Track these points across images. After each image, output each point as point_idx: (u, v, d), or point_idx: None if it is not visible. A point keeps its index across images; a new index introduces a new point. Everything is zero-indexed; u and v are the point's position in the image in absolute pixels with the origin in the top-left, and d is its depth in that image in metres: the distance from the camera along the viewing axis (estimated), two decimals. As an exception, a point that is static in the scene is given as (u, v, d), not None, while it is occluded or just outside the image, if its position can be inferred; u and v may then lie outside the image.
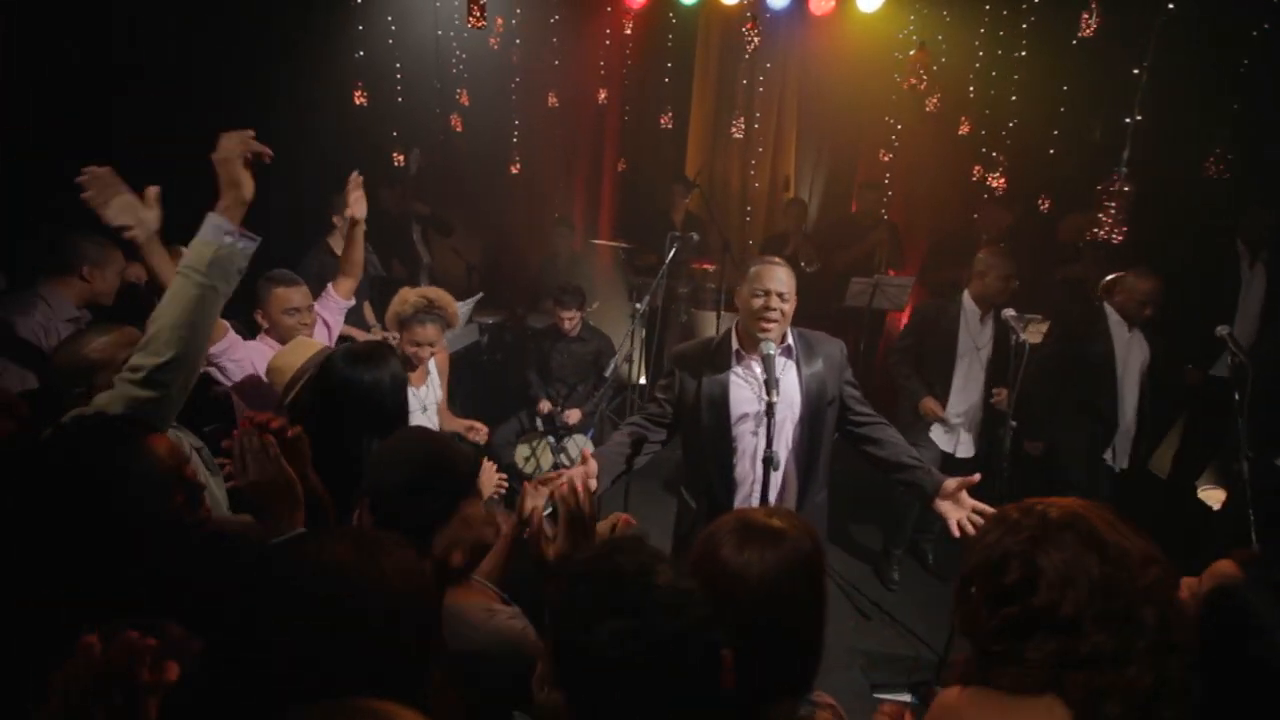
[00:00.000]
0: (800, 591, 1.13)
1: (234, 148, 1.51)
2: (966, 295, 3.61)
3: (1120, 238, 2.56)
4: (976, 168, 5.15)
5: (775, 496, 2.24)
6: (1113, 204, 2.53)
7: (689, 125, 6.18)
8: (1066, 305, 4.21)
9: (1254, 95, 3.35)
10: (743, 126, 4.67)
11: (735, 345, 2.29)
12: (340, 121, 4.32)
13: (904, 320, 6.16)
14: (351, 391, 1.77)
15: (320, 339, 2.80)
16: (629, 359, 4.20)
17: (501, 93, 5.43)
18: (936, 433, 3.68)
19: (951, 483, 2.04)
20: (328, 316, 2.94)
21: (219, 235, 1.48)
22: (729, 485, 2.31)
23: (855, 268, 5.14)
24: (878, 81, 5.51)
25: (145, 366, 1.44)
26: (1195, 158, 3.42)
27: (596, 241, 5.53)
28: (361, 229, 2.79)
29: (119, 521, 1.14)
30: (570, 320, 4.36)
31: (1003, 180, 4.29)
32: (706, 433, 2.30)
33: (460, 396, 4.44)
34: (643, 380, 4.89)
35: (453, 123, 5.14)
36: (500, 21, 4.01)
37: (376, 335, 3.79)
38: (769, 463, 2.03)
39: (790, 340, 2.26)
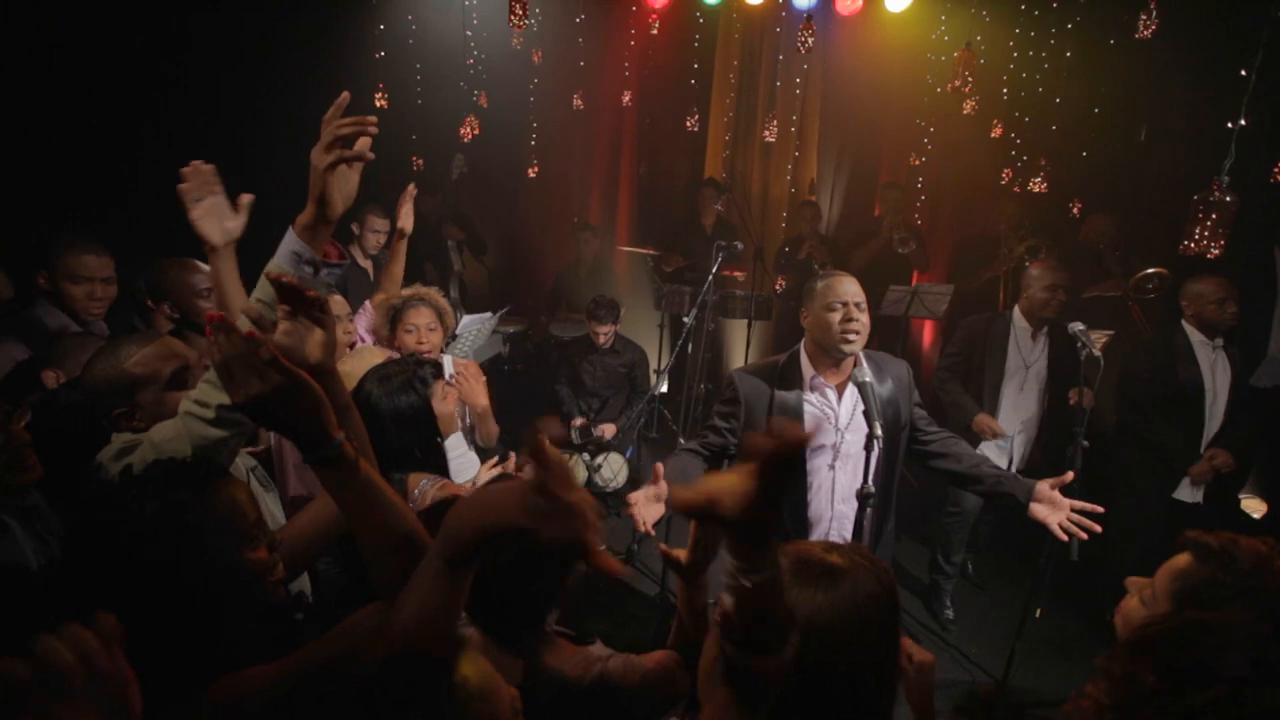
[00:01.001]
0: (858, 636, 0.98)
1: (325, 153, 1.23)
2: (1016, 311, 3.51)
3: (1218, 251, 2.43)
4: (1006, 171, 5.07)
5: (852, 534, 2.11)
6: (1213, 215, 2.40)
7: (708, 127, 6.04)
8: (1101, 318, 4.11)
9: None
10: (775, 129, 4.52)
11: (810, 370, 2.13)
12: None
13: (927, 329, 6.13)
14: (376, 415, 1.76)
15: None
16: (666, 370, 4.05)
17: (520, 94, 5.26)
18: (988, 448, 3.56)
19: (1045, 485, 1.91)
20: (364, 331, 2.82)
21: (296, 265, 1.28)
22: (802, 524, 2.16)
23: (871, 268, 5.04)
24: (906, 83, 5.41)
25: (212, 405, 1.29)
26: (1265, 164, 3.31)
27: (624, 248, 5.37)
28: (405, 243, 2.66)
29: (202, 587, 1.02)
30: (605, 335, 4.21)
31: (1044, 184, 4.19)
32: None
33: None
34: (664, 389, 4.74)
35: (470, 126, 4.97)
36: (522, 25, 3.83)
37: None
38: (867, 499, 1.89)
39: (864, 363, 2.12)
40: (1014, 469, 3.56)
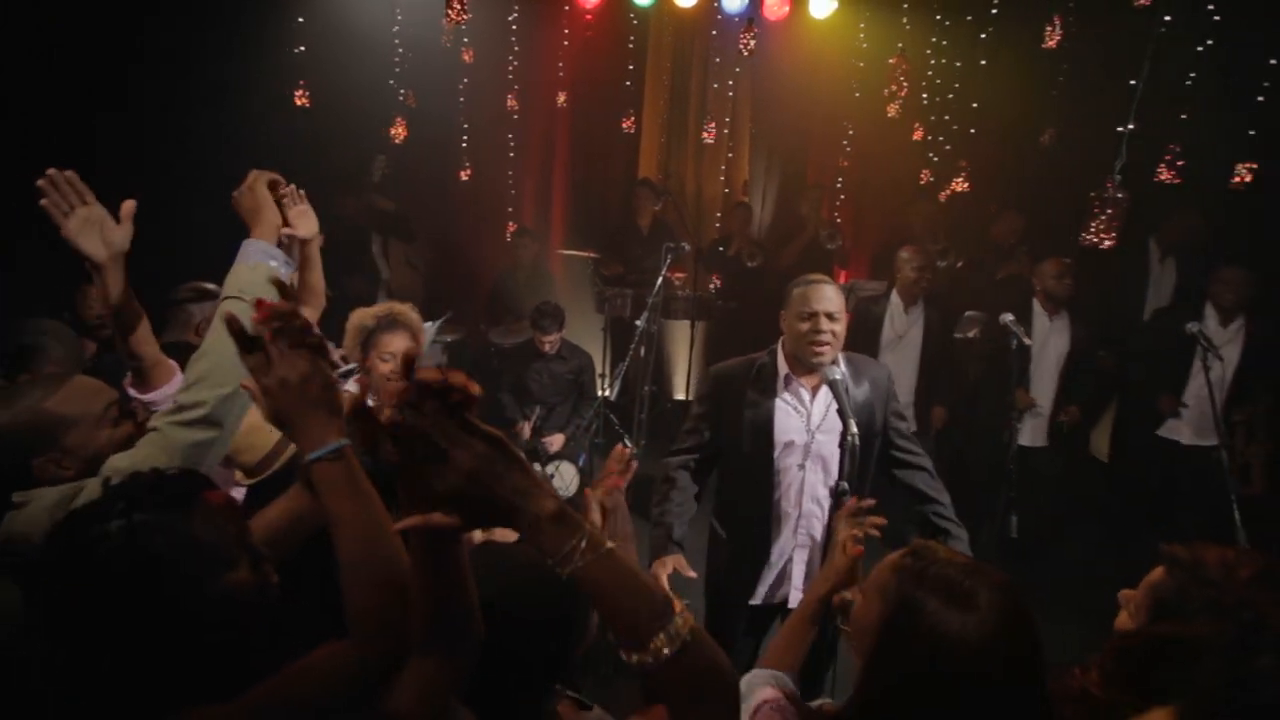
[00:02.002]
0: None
1: (253, 180, 1.46)
2: (894, 291, 3.92)
3: (1111, 243, 2.66)
4: (926, 172, 5.35)
5: (822, 533, 2.15)
6: (1108, 210, 2.61)
7: (643, 129, 6.04)
8: (1013, 302, 4.44)
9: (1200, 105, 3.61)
10: (714, 131, 4.58)
11: (785, 369, 2.15)
12: (285, 124, 3.86)
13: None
14: None
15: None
16: (620, 374, 4.01)
17: (450, 94, 5.08)
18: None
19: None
20: None
21: (266, 258, 1.38)
22: (769, 520, 2.18)
23: (799, 266, 5.20)
24: (832, 87, 5.60)
25: (206, 401, 1.25)
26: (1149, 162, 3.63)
27: (564, 252, 5.28)
28: (315, 248, 2.37)
29: (187, 607, 0.90)
30: (551, 344, 4.12)
31: (967, 184, 4.44)
32: (747, 463, 2.17)
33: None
34: (607, 393, 4.70)
35: (399, 127, 4.75)
36: (464, 19, 3.68)
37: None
38: (842, 495, 1.92)
39: (841, 364, 2.15)
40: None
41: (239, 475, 1.96)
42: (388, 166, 5.08)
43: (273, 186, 1.53)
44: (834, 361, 2.11)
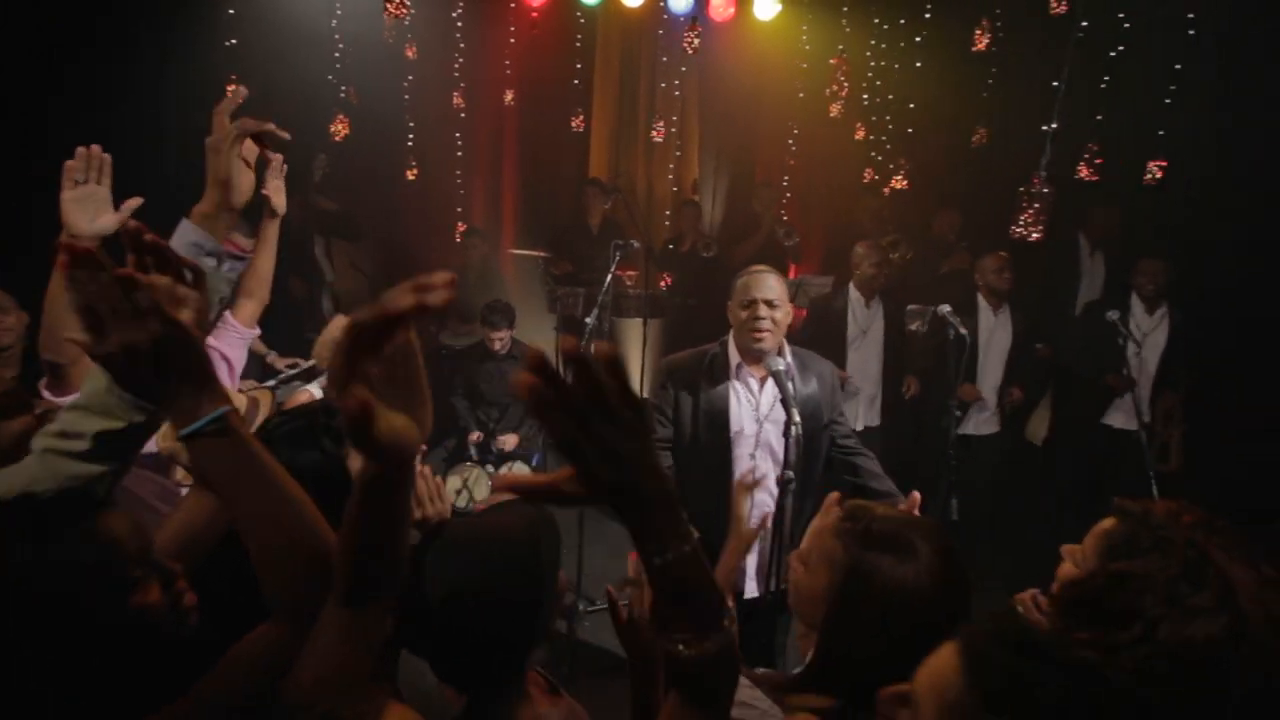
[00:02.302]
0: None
1: (236, 130, 1.13)
2: (852, 285, 3.99)
3: (1039, 236, 2.80)
4: (869, 170, 5.51)
5: (772, 522, 2.19)
6: (1035, 204, 2.75)
7: (592, 127, 6.04)
8: (956, 296, 4.64)
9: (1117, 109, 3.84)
10: (663, 130, 4.61)
11: (736, 359, 2.20)
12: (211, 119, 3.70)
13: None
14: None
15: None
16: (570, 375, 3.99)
17: (394, 91, 4.96)
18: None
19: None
20: (228, 351, 2.38)
21: (195, 253, 1.07)
22: (725, 511, 2.22)
23: (754, 262, 5.28)
24: (777, 87, 5.71)
25: (86, 434, 0.95)
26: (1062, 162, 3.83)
27: (515, 251, 5.23)
28: (276, 230, 2.28)
29: (92, 637, 0.86)
30: (501, 340, 4.07)
31: (905, 182, 4.59)
32: (704, 452, 2.20)
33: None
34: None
35: (340, 125, 4.61)
36: (403, 13, 3.59)
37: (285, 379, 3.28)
38: (788, 484, 1.96)
39: (787, 357, 2.20)
40: (860, 425, 3.96)
41: (181, 475, 1.86)
42: (329, 165, 4.93)
43: (259, 140, 1.23)
44: (779, 353, 2.16)
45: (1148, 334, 3.90)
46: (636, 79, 5.95)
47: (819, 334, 3.99)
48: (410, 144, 5.22)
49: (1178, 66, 3.47)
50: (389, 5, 2.96)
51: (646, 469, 0.68)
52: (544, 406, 0.62)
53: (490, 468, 4.01)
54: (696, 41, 3.54)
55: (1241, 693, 0.87)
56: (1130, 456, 3.54)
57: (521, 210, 6.27)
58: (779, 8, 5.44)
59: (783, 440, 2.08)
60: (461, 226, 5.72)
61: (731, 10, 5.50)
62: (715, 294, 5.14)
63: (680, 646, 0.73)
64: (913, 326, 4.65)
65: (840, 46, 4.69)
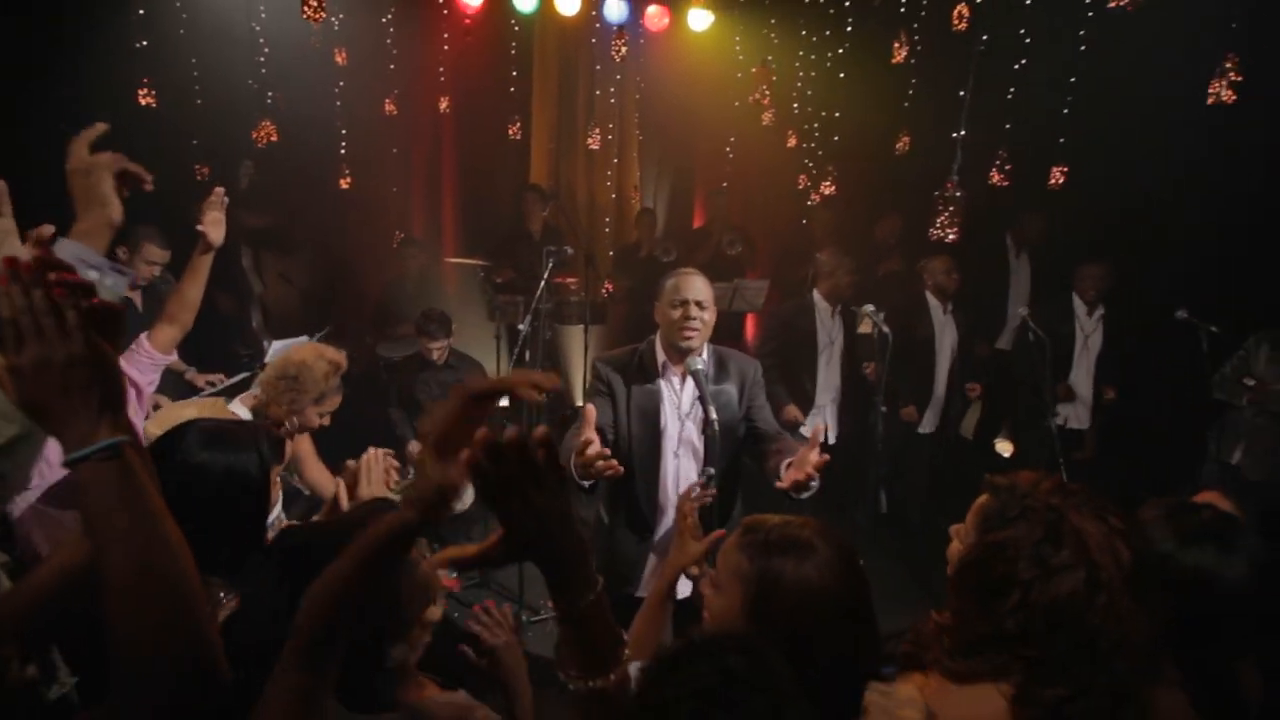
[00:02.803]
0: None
1: (102, 161, 1.21)
2: (817, 294, 4.00)
3: (955, 237, 2.96)
4: (802, 177, 5.68)
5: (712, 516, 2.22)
6: (949, 208, 2.90)
7: (531, 135, 6.04)
8: (893, 297, 4.81)
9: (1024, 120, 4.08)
10: (599, 137, 4.65)
11: (662, 357, 2.24)
12: (127, 126, 3.55)
13: (751, 323, 6.65)
14: (208, 484, 1.34)
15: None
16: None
17: (325, 98, 4.85)
18: (806, 427, 3.99)
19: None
20: (137, 376, 2.25)
21: (81, 268, 1.05)
22: (654, 509, 2.26)
23: (705, 271, 5.37)
24: (712, 97, 5.84)
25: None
26: (981, 168, 4.04)
27: (452, 260, 5.17)
28: (208, 262, 2.22)
29: None
30: (439, 350, 4.01)
31: (833, 188, 4.75)
32: (635, 446, 2.23)
33: (316, 441, 3.91)
34: (504, 402, 4.64)
35: (266, 131, 4.47)
36: (319, 18, 3.51)
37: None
38: (709, 481, 2.01)
39: (704, 355, 2.25)
40: (832, 435, 4.02)
41: None
42: (256, 172, 4.77)
43: (123, 179, 1.29)
44: (700, 353, 2.21)
45: (1089, 335, 4.14)
46: (575, 87, 6.00)
47: (789, 345, 3.95)
48: (343, 151, 5.11)
49: (1072, 79, 3.73)
50: (306, 9, 2.90)
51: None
52: (482, 476, 0.77)
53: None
54: (624, 50, 3.58)
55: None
56: (1047, 449, 3.78)
57: (462, 218, 6.21)
58: (712, 18, 5.57)
59: (702, 437, 2.14)
60: (399, 235, 5.63)
61: (666, 21, 5.60)
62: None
63: (593, 683, 0.86)
64: (862, 329, 4.78)
65: (769, 57, 4.83)
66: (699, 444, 2.20)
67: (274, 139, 4.48)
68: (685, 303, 2.14)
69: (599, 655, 0.86)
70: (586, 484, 1.81)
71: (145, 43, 3.73)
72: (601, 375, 2.27)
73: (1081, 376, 4.20)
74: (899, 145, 4.96)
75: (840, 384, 4.03)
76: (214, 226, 2.09)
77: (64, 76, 3.48)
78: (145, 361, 2.22)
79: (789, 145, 5.37)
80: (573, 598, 0.83)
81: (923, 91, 4.53)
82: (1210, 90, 2.66)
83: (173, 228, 3.34)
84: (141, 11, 3.74)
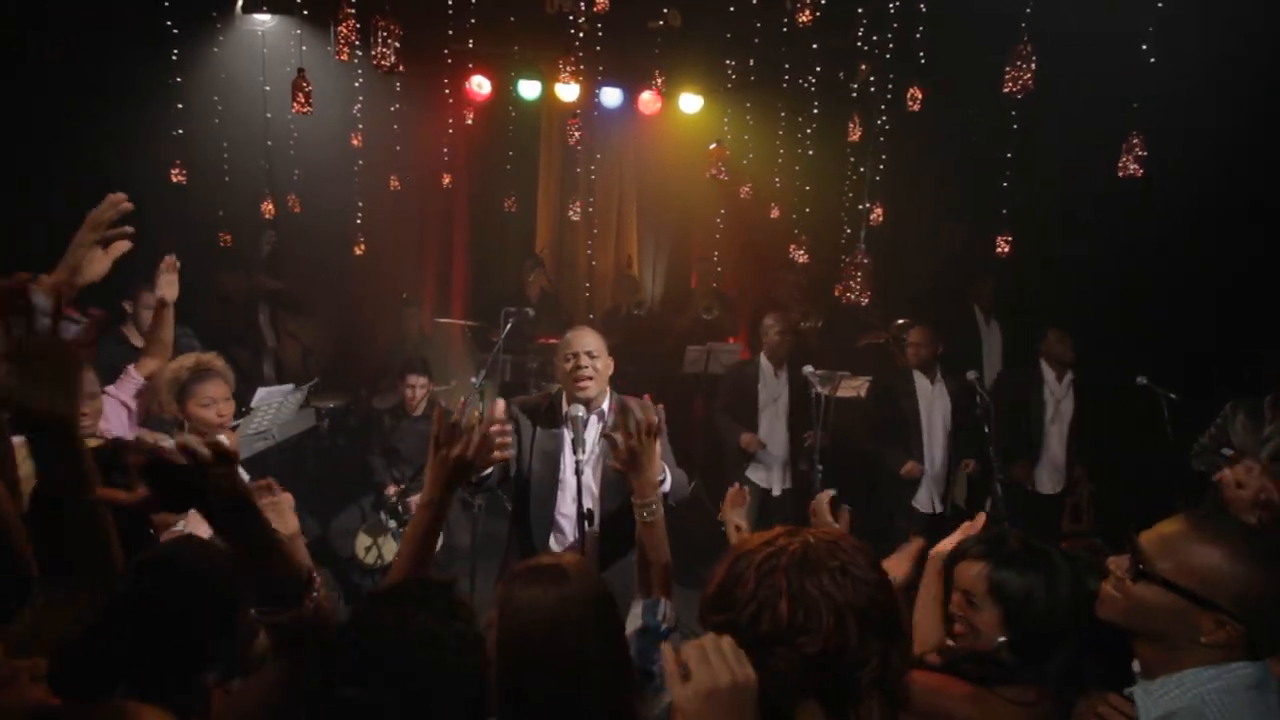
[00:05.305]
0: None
1: (87, 235, 1.42)
2: (762, 355, 4.21)
3: (866, 300, 3.10)
4: (791, 245, 5.89)
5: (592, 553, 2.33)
6: (857, 273, 3.06)
7: (537, 209, 6.56)
8: (873, 369, 4.85)
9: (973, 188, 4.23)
10: (579, 210, 5.04)
11: (565, 406, 2.41)
12: (159, 201, 4.11)
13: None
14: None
15: (118, 424, 2.56)
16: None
17: (344, 174, 5.44)
18: (756, 473, 4.09)
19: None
20: (126, 399, 2.68)
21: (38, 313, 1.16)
22: (545, 531, 2.41)
23: (688, 336, 5.62)
24: (703, 171, 6.22)
25: None
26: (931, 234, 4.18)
27: (441, 320, 5.57)
28: (171, 311, 2.65)
29: None
30: (419, 389, 4.29)
31: (806, 256, 4.96)
32: (535, 483, 2.39)
33: (303, 485, 4.20)
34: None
35: (290, 203, 5.04)
36: (308, 111, 3.99)
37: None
38: (586, 518, 2.14)
39: (605, 404, 2.42)
40: (776, 489, 4.11)
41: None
42: (276, 241, 5.32)
43: (103, 242, 1.50)
44: (600, 402, 2.38)
45: (1060, 401, 4.12)
46: (574, 164, 6.51)
47: (734, 400, 4.20)
48: (359, 221, 5.64)
49: (1009, 154, 3.89)
50: (296, 102, 3.38)
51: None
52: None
53: (395, 526, 4.13)
54: (577, 134, 3.96)
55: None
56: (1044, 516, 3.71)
57: (469, 284, 6.70)
58: (701, 103, 6.05)
59: (589, 480, 2.29)
60: (404, 295, 6.09)
61: (658, 105, 6.09)
62: (656, 357, 5.43)
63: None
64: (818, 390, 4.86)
65: (740, 135, 5.18)
66: (595, 486, 2.34)
67: (297, 210, 5.04)
68: (576, 354, 2.34)
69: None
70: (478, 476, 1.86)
71: (181, 131, 4.34)
72: (513, 415, 2.45)
73: (1054, 442, 4.15)
74: (873, 217, 5.15)
75: (786, 440, 4.13)
76: (168, 287, 2.54)
77: (113, 162, 4.08)
78: (130, 386, 2.66)
79: (772, 216, 5.64)
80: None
81: (890, 166, 4.74)
82: (1119, 165, 2.78)
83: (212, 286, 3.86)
84: (180, 106, 4.37)
